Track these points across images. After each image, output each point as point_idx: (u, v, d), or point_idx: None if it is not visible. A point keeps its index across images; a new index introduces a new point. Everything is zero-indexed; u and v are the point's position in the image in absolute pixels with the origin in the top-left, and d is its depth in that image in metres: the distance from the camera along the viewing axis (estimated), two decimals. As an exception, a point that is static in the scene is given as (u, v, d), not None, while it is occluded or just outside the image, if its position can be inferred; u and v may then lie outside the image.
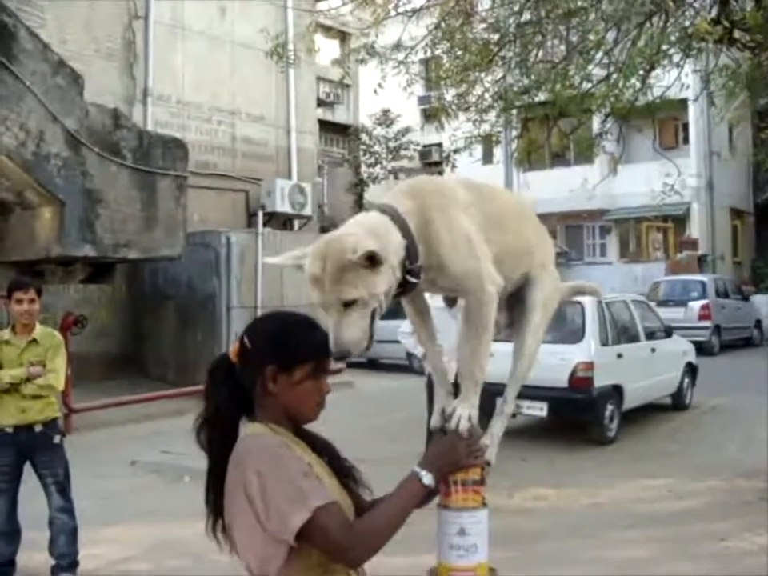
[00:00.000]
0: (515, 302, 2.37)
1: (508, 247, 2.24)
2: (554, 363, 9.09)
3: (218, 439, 2.12)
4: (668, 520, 6.95)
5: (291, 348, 2.05)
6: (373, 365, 17.13)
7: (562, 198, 24.08)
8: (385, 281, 1.95)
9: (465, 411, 2.13)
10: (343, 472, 2.22)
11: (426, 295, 2.33)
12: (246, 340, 2.11)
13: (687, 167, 24.76)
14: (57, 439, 5.81)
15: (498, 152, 24.86)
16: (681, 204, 26.11)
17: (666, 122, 26.01)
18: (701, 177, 26.99)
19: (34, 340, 5.76)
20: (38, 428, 5.68)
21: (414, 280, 2.04)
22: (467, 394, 2.16)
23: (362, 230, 2.00)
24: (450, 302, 2.32)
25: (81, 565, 6.00)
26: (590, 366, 9.46)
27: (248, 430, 2.12)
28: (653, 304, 14.15)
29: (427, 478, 2.02)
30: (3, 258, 10.91)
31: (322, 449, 2.22)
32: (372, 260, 1.90)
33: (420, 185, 2.21)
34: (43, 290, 6.18)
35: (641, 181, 24.43)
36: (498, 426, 2.31)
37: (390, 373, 16.47)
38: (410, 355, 15.58)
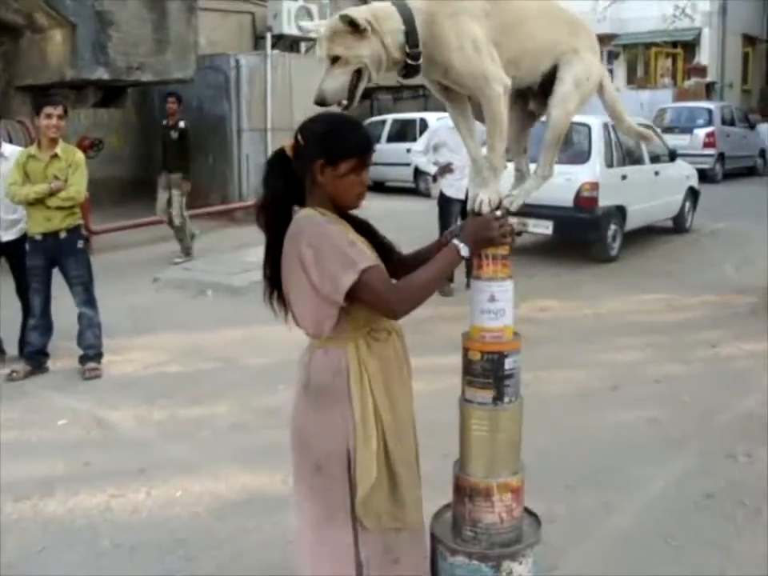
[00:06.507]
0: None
1: (526, 47, 2.51)
2: (560, 183, 9.30)
3: (273, 221, 2.45)
4: (664, 329, 7.43)
5: (337, 145, 2.37)
6: (380, 188, 17.36)
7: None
8: (368, 46, 2.26)
9: (486, 196, 2.47)
10: (380, 247, 2.56)
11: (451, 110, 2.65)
12: (299, 137, 2.41)
13: (701, -9, 24.21)
14: (80, 244, 6.39)
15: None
16: (691, 29, 25.64)
17: (681, -59, 25.12)
18: (714, 1, 26.30)
19: (56, 155, 6.22)
20: (62, 234, 6.25)
21: (413, 63, 2.35)
22: (488, 181, 2.49)
23: (364, 8, 2.32)
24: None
25: (119, 368, 6.56)
26: (594, 186, 9.70)
27: (300, 213, 2.43)
28: (658, 130, 14.21)
29: (464, 250, 2.37)
30: (17, 83, 10.97)
31: (362, 228, 2.55)
32: (355, 26, 2.22)
33: None
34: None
35: (652, 5, 23.90)
36: (531, 183, 2.65)
37: (396, 195, 16.76)
38: (416, 177, 15.79)
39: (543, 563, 2.75)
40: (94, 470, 4.69)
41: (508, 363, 2.51)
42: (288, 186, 2.45)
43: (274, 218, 2.45)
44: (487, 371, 2.50)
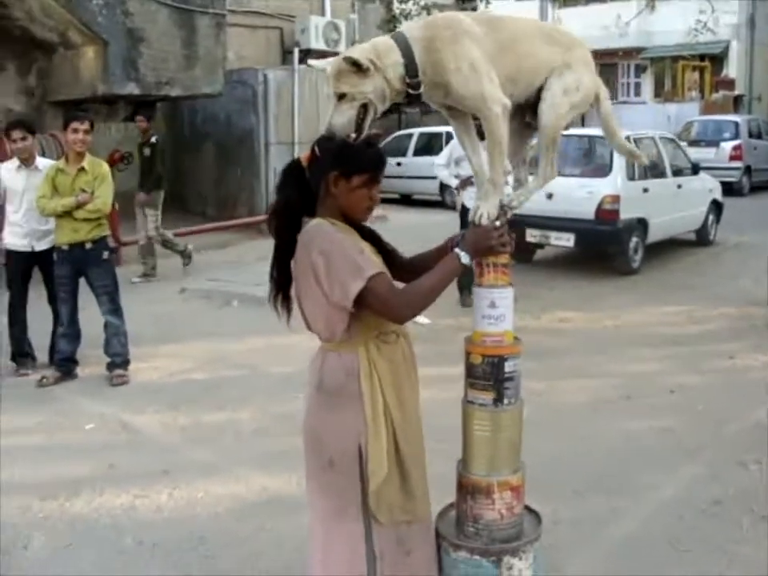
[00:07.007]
0: None
1: (521, 66, 2.65)
2: (582, 196, 9.44)
3: (283, 228, 2.61)
4: (683, 341, 7.49)
5: (352, 159, 2.53)
6: (407, 201, 17.50)
7: (597, 35, 23.65)
8: (371, 83, 2.42)
9: (485, 209, 2.60)
10: (386, 254, 2.72)
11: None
12: (316, 149, 2.56)
13: (728, 4, 24.10)
14: (105, 255, 6.60)
15: (534, -13, 24.37)
16: (719, 42, 25.59)
17: (708, -46, 25.09)
18: (742, 13, 26.21)
19: (83, 168, 6.43)
20: (88, 245, 6.44)
21: (413, 92, 2.50)
22: (488, 194, 2.63)
23: (367, 46, 2.48)
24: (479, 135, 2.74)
25: (145, 375, 6.72)
26: (616, 198, 9.73)
27: (311, 222, 2.58)
28: (684, 144, 14.22)
29: (465, 258, 2.52)
30: (51, 98, 11.26)
31: (369, 236, 2.70)
32: (358, 66, 2.38)
33: (434, 20, 2.64)
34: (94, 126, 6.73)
35: (679, 18, 23.90)
36: (534, 182, 2.80)
37: (422, 208, 16.89)
38: (442, 190, 15.92)
39: (544, 560, 2.85)
40: (120, 472, 4.85)
41: (508, 366, 2.64)
42: (300, 195, 2.60)
43: (284, 225, 2.60)
44: (488, 374, 2.63)
